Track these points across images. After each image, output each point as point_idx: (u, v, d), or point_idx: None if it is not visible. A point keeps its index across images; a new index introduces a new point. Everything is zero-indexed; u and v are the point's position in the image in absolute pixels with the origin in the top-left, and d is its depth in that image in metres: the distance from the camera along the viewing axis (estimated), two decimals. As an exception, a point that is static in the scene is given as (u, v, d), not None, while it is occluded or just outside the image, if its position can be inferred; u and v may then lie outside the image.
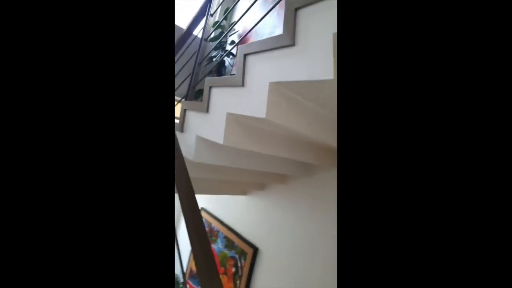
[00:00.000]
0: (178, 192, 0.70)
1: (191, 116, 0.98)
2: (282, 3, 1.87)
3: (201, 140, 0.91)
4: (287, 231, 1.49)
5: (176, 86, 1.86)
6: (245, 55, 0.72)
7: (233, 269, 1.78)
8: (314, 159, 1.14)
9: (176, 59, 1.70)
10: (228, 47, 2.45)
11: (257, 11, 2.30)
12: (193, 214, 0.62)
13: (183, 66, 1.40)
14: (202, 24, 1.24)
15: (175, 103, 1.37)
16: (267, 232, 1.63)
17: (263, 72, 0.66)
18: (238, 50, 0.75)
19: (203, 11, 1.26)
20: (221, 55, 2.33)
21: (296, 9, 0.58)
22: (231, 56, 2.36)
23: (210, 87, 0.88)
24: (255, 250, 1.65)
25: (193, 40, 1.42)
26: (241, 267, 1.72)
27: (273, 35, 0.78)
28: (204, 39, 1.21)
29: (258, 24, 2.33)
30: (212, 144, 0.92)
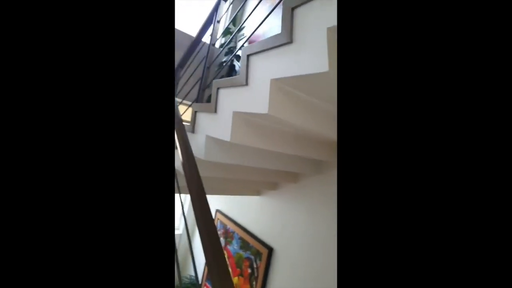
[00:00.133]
0: (190, 194, 0.70)
1: (201, 117, 1.03)
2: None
3: (210, 140, 0.95)
4: (301, 230, 1.49)
5: (187, 91, 1.95)
6: (248, 56, 0.76)
7: (249, 270, 1.80)
8: (323, 155, 1.14)
9: (187, 65, 1.78)
10: (239, 52, 2.52)
11: (265, 16, 2.35)
12: (203, 215, 0.61)
13: (193, 71, 1.47)
14: (210, 31, 1.31)
15: (186, 107, 1.43)
16: (281, 232, 1.63)
17: (265, 70, 0.69)
18: (241, 52, 0.79)
19: (211, 19, 1.32)
20: (231, 60, 2.40)
21: (293, 9, 0.61)
22: (240, 60, 2.42)
23: (218, 89, 0.92)
24: (270, 250, 1.66)
25: (203, 46, 1.49)
26: (257, 268, 1.73)
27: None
28: (212, 44, 1.26)
29: (267, 28, 2.39)
30: (221, 143, 0.95)
